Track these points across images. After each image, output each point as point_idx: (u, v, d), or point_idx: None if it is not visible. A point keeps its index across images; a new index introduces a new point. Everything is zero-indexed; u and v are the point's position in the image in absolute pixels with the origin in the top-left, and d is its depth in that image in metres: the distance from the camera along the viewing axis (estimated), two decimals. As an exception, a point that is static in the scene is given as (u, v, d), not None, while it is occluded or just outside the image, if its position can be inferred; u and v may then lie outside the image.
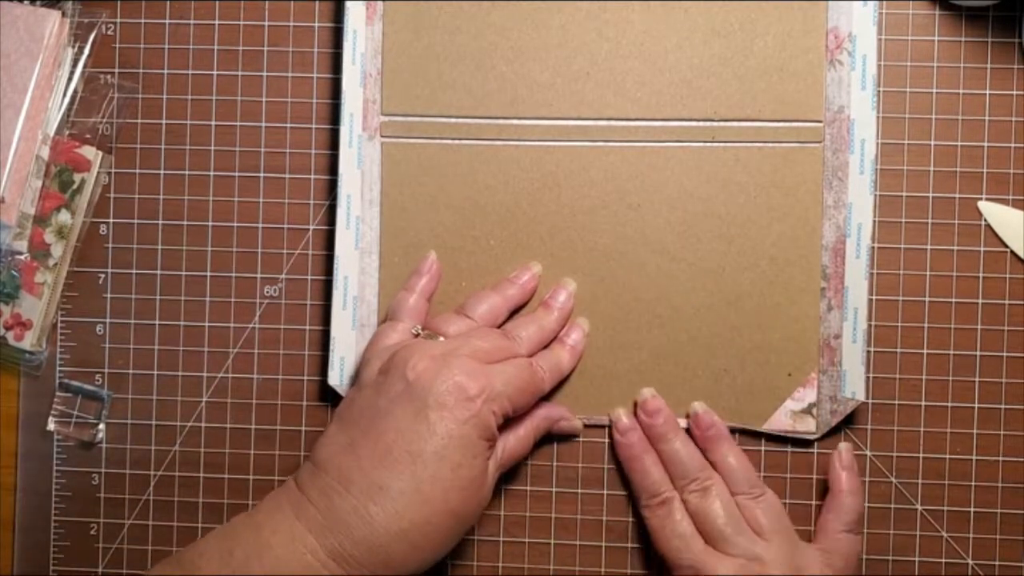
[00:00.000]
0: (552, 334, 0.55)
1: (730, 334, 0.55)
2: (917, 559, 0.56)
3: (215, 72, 0.58)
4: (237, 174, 0.58)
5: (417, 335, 0.52)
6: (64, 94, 0.58)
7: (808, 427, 0.55)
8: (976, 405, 0.56)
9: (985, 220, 0.56)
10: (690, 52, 0.56)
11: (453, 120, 0.56)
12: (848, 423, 0.56)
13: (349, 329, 0.56)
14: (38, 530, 0.59)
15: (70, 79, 0.58)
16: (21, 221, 0.57)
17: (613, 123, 0.56)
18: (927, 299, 0.56)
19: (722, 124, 0.56)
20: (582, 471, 0.57)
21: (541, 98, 0.56)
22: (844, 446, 0.55)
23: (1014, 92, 0.56)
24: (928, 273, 0.56)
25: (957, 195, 0.56)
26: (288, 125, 0.58)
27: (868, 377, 0.55)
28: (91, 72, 0.58)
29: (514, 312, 0.56)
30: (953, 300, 0.56)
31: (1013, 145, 0.56)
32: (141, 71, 0.59)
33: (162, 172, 0.59)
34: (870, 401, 0.56)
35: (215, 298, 0.58)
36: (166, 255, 0.58)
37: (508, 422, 0.51)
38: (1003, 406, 0.56)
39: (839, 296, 0.55)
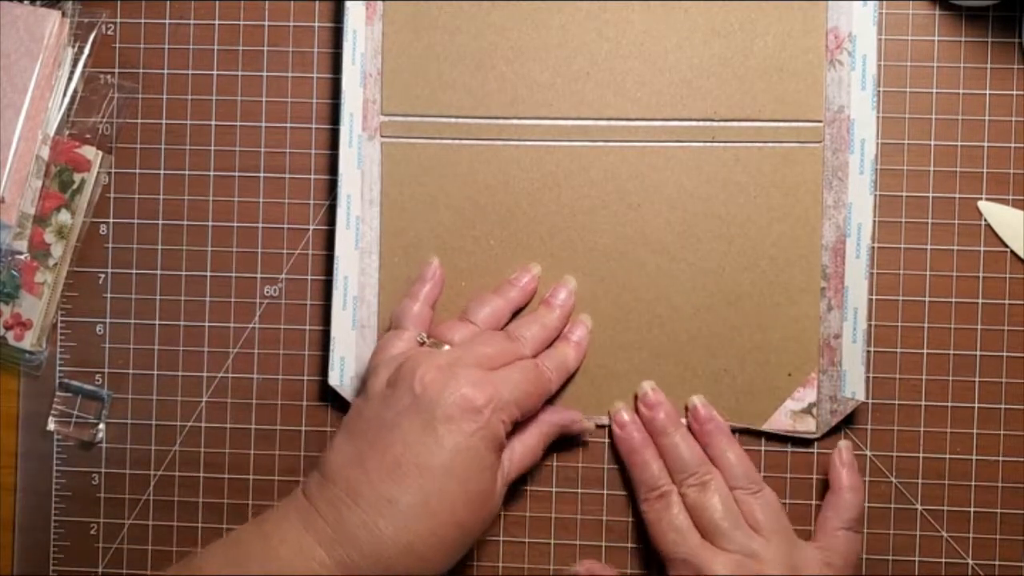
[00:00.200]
0: (556, 332, 0.55)
1: (730, 334, 0.55)
2: (917, 559, 0.56)
3: (215, 72, 0.58)
4: (237, 174, 0.58)
5: (422, 343, 0.52)
6: (64, 94, 0.58)
7: (808, 427, 0.55)
8: (976, 405, 0.56)
9: (985, 220, 0.56)
10: (690, 52, 0.56)
11: (453, 120, 0.56)
12: (848, 423, 0.56)
13: (349, 329, 0.56)
14: (38, 530, 0.59)
15: (70, 79, 0.58)
16: (21, 221, 0.57)
17: (613, 123, 0.56)
18: (927, 299, 0.56)
19: (722, 124, 0.56)
20: (582, 471, 0.57)
21: (541, 98, 0.56)
22: (844, 444, 0.55)
23: (1014, 92, 0.56)
24: (928, 273, 0.56)
25: (957, 195, 0.56)
26: (288, 125, 0.58)
27: (868, 377, 0.55)
28: (91, 72, 0.58)
29: (516, 313, 0.56)
30: (953, 300, 0.56)
31: (1013, 145, 0.56)
32: (141, 71, 0.59)
33: (162, 172, 0.59)
34: (870, 401, 0.56)
35: (215, 298, 0.58)
36: (166, 255, 0.58)
37: (516, 426, 0.51)
38: (1003, 406, 0.56)
39: (839, 296, 0.55)
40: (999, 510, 0.55)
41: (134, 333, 0.58)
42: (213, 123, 0.58)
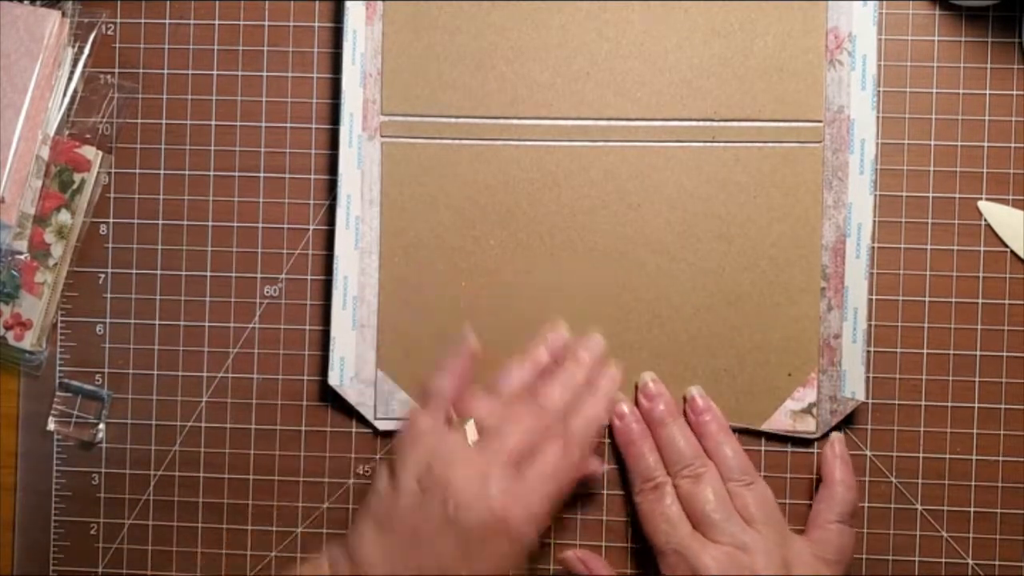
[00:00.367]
0: (584, 386, 0.54)
1: (730, 334, 0.55)
2: (917, 559, 0.56)
3: (215, 72, 0.58)
4: (237, 174, 0.58)
5: (450, 420, 0.51)
6: (64, 94, 0.58)
7: (808, 427, 0.55)
8: (976, 405, 0.56)
9: (985, 220, 0.56)
10: (690, 52, 0.56)
11: (453, 120, 0.56)
12: (848, 423, 0.56)
13: (349, 329, 0.56)
14: (38, 530, 0.59)
15: (70, 79, 0.58)
16: (21, 221, 0.57)
17: (613, 123, 0.56)
18: (927, 299, 0.56)
19: (722, 124, 0.56)
20: (582, 471, 0.57)
21: (541, 98, 0.56)
22: (836, 435, 0.54)
23: (1014, 92, 0.56)
24: (928, 273, 0.56)
25: (957, 195, 0.56)
26: (288, 125, 0.58)
27: (868, 377, 0.55)
28: (91, 72, 0.58)
29: None
30: (953, 300, 0.56)
31: (1013, 145, 0.56)
32: (141, 71, 0.59)
33: (162, 172, 0.59)
34: (870, 401, 0.56)
35: (215, 298, 0.58)
36: (166, 255, 0.58)
37: None
38: (1003, 406, 0.56)
39: (839, 296, 0.55)
40: (999, 510, 0.55)
41: (134, 333, 0.58)
42: (213, 123, 0.58)
